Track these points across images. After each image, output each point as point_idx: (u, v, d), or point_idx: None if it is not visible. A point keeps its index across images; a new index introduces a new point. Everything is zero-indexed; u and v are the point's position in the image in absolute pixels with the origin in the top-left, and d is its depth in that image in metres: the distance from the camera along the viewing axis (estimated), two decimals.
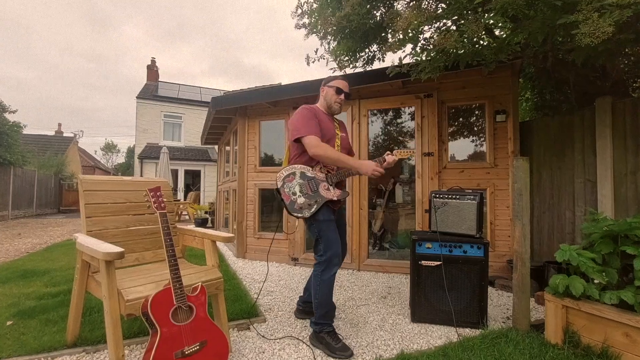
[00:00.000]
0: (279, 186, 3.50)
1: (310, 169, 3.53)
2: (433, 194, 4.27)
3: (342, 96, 3.73)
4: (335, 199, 3.51)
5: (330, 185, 3.53)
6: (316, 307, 3.50)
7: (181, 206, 16.53)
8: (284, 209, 3.50)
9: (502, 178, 5.65)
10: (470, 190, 4.15)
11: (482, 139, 5.95)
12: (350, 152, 3.99)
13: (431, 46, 4.53)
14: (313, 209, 3.42)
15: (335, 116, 3.89)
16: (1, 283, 5.29)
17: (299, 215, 3.42)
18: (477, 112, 6.15)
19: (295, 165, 3.53)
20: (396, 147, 4.37)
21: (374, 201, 7.55)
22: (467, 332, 3.76)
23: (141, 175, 22.35)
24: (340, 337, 3.53)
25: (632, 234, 3.23)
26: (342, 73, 6.29)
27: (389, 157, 3.55)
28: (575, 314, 3.26)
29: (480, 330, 3.74)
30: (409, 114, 6.70)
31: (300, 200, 3.43)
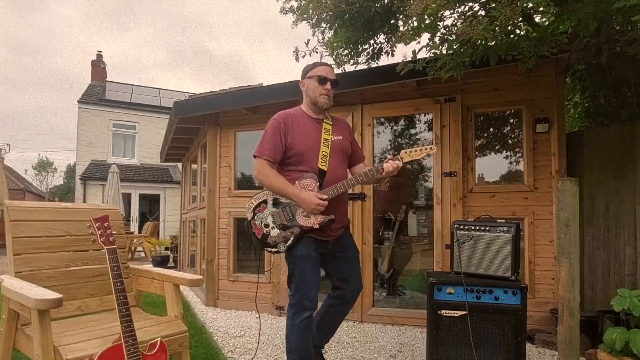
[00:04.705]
0: (249, 218, 3.71)
1: None
2: (456, 225, 4.31)
3: (328, 85, 3.78)
4: (316, 226, 3.56)
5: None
6: (288, 352, 3.68)
7: (135, 240, 16.48)
8: (259, 244, 3.66)
9: (543, 205, 5.69)
10: (504, 220, 4.19)
11: (518, 155, 6.00)
12: (356, 157, 4.05)
13: (454, 36, 4.58)
14: (290, 242, 3.57)
15: (331, 116, 3.98)
16: None
17: (274, 250, 3.61)
18: (512, 121, 6.21)
19: (267, 192, 3.71)
20: (421, 159, 4.27)
21: (381, 234, 7.56)
22: None
23: (84, 201, 22.31)
24: None
25: None
26: (340, 71, 6.32)
27: (389, 165, 3.57)
28: None
29: None
30: (425, 122, 6.76)
31: (274, 232, 3.60)
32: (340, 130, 3.94)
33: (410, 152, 3.59)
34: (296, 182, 3.63)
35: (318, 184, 3.63)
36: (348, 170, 4.00)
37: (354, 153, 4.03)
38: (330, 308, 3.96)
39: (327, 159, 3.72)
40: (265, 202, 3.68)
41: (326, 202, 3.50)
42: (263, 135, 3.75)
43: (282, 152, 3.68)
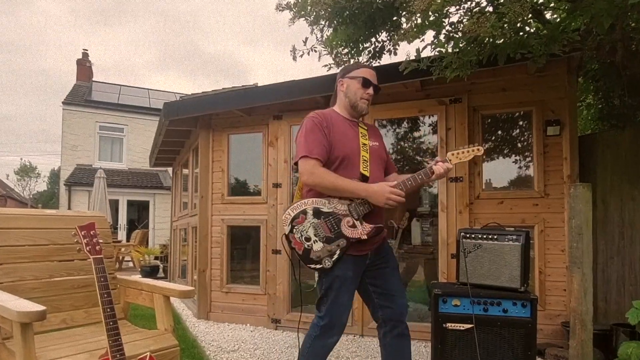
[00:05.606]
0: (286, 232, 3.42)
1: (327, 202, 3.41)
2: (462, 233, 4.31)
3: (371, 90, 3.62)
4: (365, 237, 3.34)
5: (357, 220, 3.37)
6: None
7: (123, 249, 16.45)
8: (299, 260, 3.40)
9: (554, 211, 5.69)
10: (513, 229, 4.19)
11: (528, 159, 6.00)
12: (389, 166, 3.87)
13: (460, 34, 4.58)
14: (335, 256, 3.33)
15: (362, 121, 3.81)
16: None
17: (319, 266, 3.35)
18: (521, 123, 6.21)
19: (306, 200, 3.45)
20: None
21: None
22: None
23: (69, 208, 22.28)
24: None
25: None
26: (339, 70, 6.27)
27: (439, 167, 3.40)
28: None
29: None
30: (429, 124, 6.77)
31: (317, 246, 3.34)
32: (375, 137, 3.80)
33: (458, 153, 3.48)
34: None
35: None
36: None
37: (387, 163, 3.85)
38: (387, 344, 3.63)
39: (368, 164, 3.53)
40: (304, 212, 3.40)
41: (402, 192, 3.31)
42: (304, 135, 3.47)
43: (328, 151, 3.44)
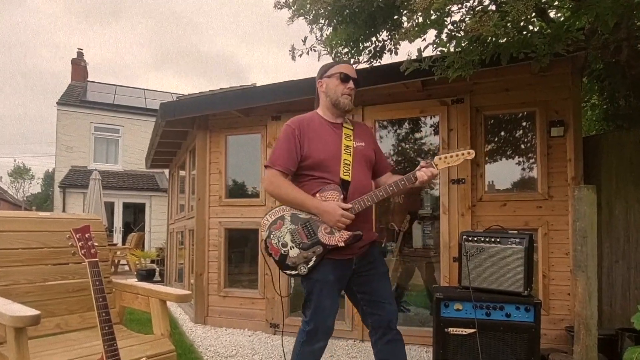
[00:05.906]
0: (264, 237, 3.47)
1: None
2: (464, 236, 4.31)
3: (351, 84, 3.59)
4: (341, 244, 3.33)
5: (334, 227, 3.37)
6: None
7: (119, 253, 16.43)
8: (276, 265, 3.46)
9: (558, 214, 5.68)
10: (516, 231, 4.19)
11: (531, 161, 6.00)
12: (381, 167, 3.84)
13: (462, 33, 4.58)
14: (311, 263, 3.35)
15: (351, 120, 3.79)
16: None
17: (294, 272, 3.38)
18: (524, 124, 6.20)
19: (285, 207, 3.49)
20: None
21: (383, 246, 7.54)
22: None
23: (63, 210, 22.25)
24: None
25: None
26: None
27: (422, 173, 3.36)
28: None
29: None
30: (431, 125, 6.75)
31: (294, 252, 3.37)
32: (363, 136, 3.73)
33: (446, 157, 3.38)
34: (317, 194, 3.40)
35: (342, 196, 3.39)
36: (372, 181, 3.76)
37: (379, 162, 3.80)
38: (380, 351, 3.72)
39: (350, 167, 3.49)
40: (282, 218, 3.44)
41: (352, 215, 3.31)
42: (275, 143, 3.56)
43: (297, 161, 3.47)
